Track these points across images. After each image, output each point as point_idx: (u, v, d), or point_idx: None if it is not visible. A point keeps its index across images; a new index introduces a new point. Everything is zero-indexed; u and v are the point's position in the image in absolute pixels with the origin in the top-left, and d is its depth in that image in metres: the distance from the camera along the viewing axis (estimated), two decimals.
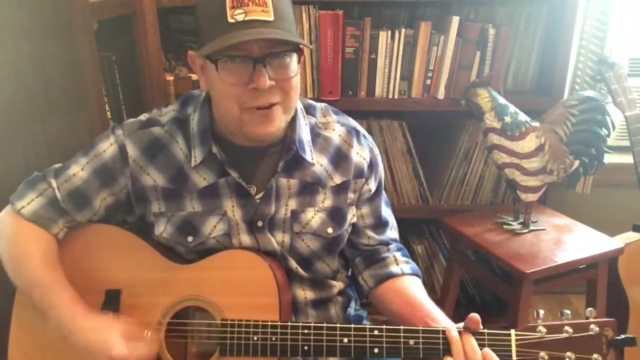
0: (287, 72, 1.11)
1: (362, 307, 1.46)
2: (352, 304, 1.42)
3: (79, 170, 1.23)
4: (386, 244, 1.35)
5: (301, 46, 1.13)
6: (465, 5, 2.16)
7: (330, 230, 1.26)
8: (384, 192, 1.37)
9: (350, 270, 1.41)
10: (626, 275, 1.91)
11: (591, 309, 1.06)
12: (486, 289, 2.46)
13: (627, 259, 1.89)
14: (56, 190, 1.22)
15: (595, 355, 1.04)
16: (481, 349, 1.05)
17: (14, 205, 1.23)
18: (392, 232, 1.37)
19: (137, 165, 1.22)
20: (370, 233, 1.33)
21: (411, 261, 1.35)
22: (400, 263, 1.32)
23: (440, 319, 1.16)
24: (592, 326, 1.04)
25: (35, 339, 1.24)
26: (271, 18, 1.05)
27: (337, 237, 1.28)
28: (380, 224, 1.34)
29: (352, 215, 1.30)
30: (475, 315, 1.08)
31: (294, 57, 1.12)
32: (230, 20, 1.04)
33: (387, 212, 1.36)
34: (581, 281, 1.93)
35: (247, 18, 1.04)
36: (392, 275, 1.30)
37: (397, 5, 2.20)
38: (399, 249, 1.36)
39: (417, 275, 1.32)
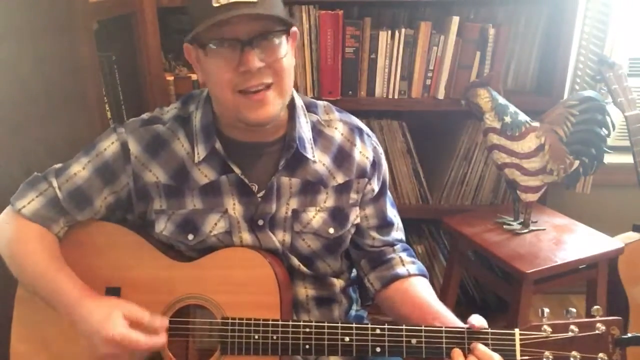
0: (277, 53, 1.10)
1: (362, 308, 1.46)
2: (353, 306, 1.42)
3: (80, 170, 1.23)
4: (391, 244, 1.34)
5: (292, 31, 1.13)
6: (465, 5, 2.16)
7: (331, 230, 1.26)
8: (388, 192, 1.36)
9: (353, 271, 1.41)
10: (626, 275, 1.92)
11: (598, 307, 1.05)
12: (486, 289, 2.46)
13: (627, 259, 1.89)
14: (57, 190, 1.22)
15: (601, 355, 1.02)
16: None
17: (14, 206, 1.23)
18: (398, 233, 1.36)
19: (139, 162, 1.22)
20: (374, 234, 1.32)
21: (417, 261, 1.33)
22: (406, 264, 1.31)
23: (450, 319, 1.15)
24: (598, 325, 1.02)
25: (36, 335, 1.24)
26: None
27: (339, 237, 1.28)
28: (384, 225, 1.33)
29: (355, 216, 1.29)
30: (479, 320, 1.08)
31: (283, 38, 1.11)
32: (215, 4, 1.05)
33: (392, 213, 1.35)
34: (581, 281, 1.93)
35: (231, 0, 1.05)
36: (398, 277, 1.29)
37: (397, 5, 2.20)
38: (404, 250, 1.34)
39: (424, 275, 1.31)
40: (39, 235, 1.22)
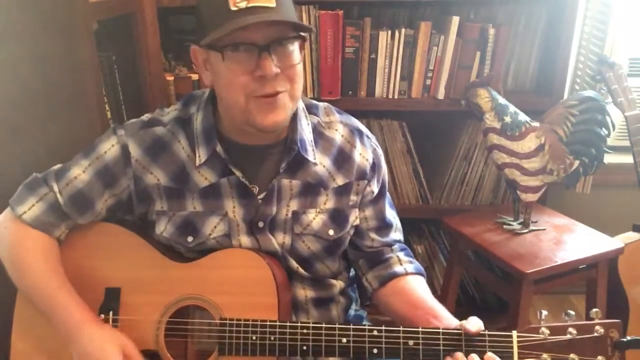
0: (292, 59, 1.11)
1: (362, 308, 1.46)
2: (353, 305, 1.42)
3: (80, 173, 1.22)
4: (389, 245, 1.34)
5: (303, 34, 1.13)
6: (465, 5, 2.16)
7: (331, 232, 1.26)
8: (387, 193, 1.36)
9: (351, 270, 1.41)
10: (626, 275, 1.91)
11: (596, 310, 1.05)
12: (486, 289, 2.45)
13: (627, 259, 1.89)
14: (58, 195, 1.21)
15: (599, 358, 1.02)
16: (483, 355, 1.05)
17: (14, 211, 1.22)
18: (396, 234, 1.36)
19: (140, 165, 1.22)
20: (373, 235, 1.33)
21: (415, 261, 1.34)
22: (403, 263, 1.31)
23: (444, 316, 1.16)
24: (597, 327, 1.02)
25: (37, 334, 1.25)
26: (273, 4, 1.06)
27: (338, 239, 1.28)
28: (384, 226, 1.34)
29: (354, 218, 1.29)
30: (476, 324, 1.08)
31: (297, 45, 1.12)
32: (233, 8, 1.04)
33: (391, 214, 1.35)
34: (581, 281, 1.93)
35: (249, 5, 1.04)
36: (395, 275, 1.29)
37: (397, 5, 2.20)
38: (402, 249, 1.35)
39: (421, 274, 1.32)
40: (40, 245, 1.21)
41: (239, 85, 1.09)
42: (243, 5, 1.04)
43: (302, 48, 1.15)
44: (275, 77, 1.09)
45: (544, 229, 1.95)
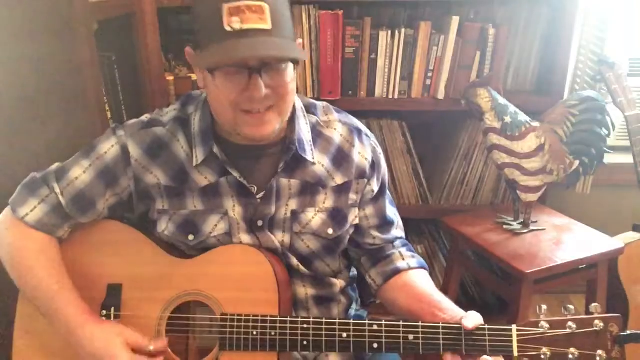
0: (284, 79, 1.10)
1: (362, 308, 1.46)
2: (353, 305, 1.42)
3: (81, 174, 1.22)
4: (391, 242, 1.34)
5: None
6: (465, 5, 2.16)
7: (330, 231, 1.26)
8: (388, 191, 1.36)
9: (352, 270, 1.41)
10: (626, 275, 1.92)
11: (596, 304, 1.04)
12: (486, 289, 2.45)
13: (627, 259, 1.89)
14: (59, 196, 1.21)
15: (599, 352, 1.02)
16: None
17: (16, 213, 1.21)
18: (398, 231, 1.37)
19: (140, 165, 1.22)
20: (375, 233, 1.33)
21: (417, 255, 1.34)
22: (406, 258, 1.31)
23: (449, 308, 1.16)
24: (596, 322, 1.02)
25: (39, 335, 1.24)
26: (268, 26, 1.04)
27: (338, 238, 1.28)
28: (385, 224, 1.34)
29: (354, 217, 1.29)
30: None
31: (290, 64, 1.10)
32: (227, 29, 1.03)
33: (392, 212, 1.36)
34: (581, 281, 1.93)
35: (244, 27, 1.02)
36: (398, 271, 1.29)
37: (397, 5, 2.20)
38: (404, 245, 1.35)
39: (424, 268, 1.32)
40: (41, 247, 1.21)
41: (227, 102, 1.10)
42: (237, 26, 1.02)
43: (297, 64, 1.15)
44: (265, 96, 1.08)
45: (544, 229, 1.95)
